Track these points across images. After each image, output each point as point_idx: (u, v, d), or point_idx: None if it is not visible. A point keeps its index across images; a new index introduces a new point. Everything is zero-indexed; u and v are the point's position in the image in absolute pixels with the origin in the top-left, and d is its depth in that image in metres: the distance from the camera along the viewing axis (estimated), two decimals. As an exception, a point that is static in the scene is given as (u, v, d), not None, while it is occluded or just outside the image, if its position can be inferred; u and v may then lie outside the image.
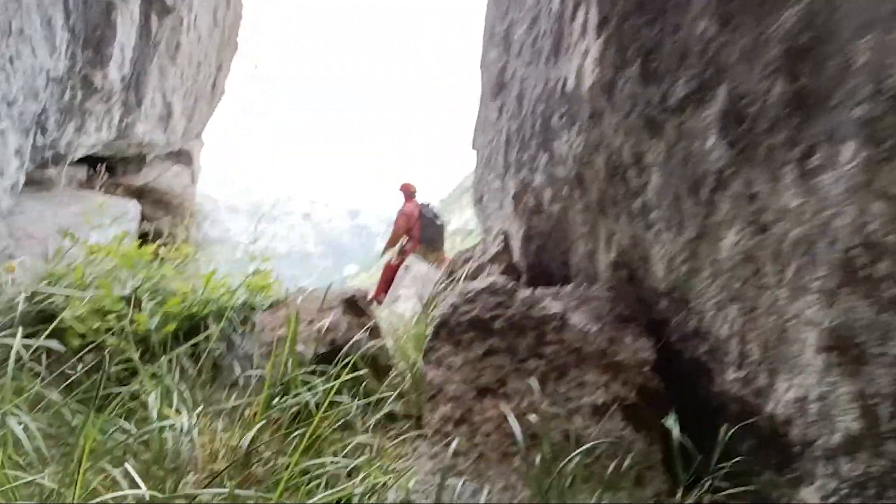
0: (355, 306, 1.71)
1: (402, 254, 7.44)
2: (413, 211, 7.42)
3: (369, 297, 6.98)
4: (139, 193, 2.86)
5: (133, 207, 2.74)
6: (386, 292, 7.58)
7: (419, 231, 7.32)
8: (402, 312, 5.18)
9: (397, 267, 7.52)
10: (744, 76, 1.25)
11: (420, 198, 7.88)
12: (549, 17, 2.44)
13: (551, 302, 1.67)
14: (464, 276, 2.33)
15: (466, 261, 2.50)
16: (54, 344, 1.30)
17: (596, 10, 1.85)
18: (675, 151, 1.51)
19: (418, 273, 6.22)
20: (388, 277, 7.55)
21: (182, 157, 4.51)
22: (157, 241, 2.35)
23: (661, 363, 1.58)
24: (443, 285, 2.48)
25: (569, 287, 1.83)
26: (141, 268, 2.00)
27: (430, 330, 1.54)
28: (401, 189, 7.87)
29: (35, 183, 2.37)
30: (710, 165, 1.35)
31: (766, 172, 1.18)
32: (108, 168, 2.99)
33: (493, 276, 1.64)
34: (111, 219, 2.60)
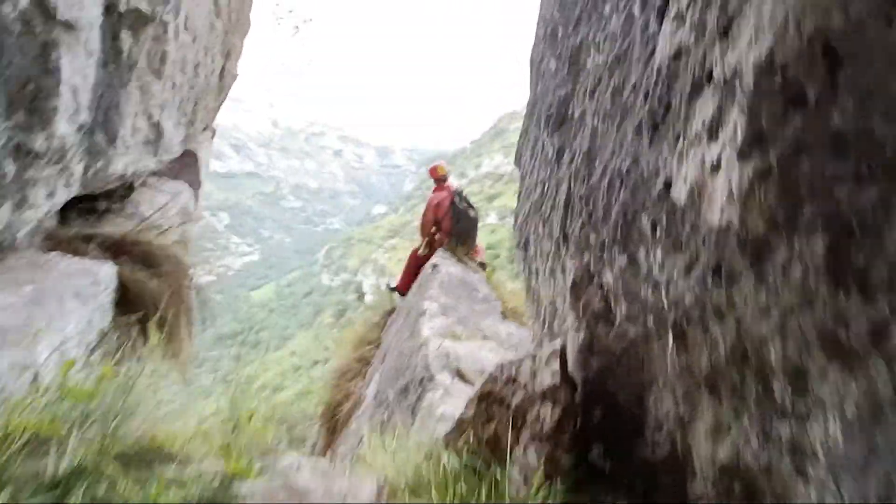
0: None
1: (431, 245, 6.90)
2: (443, 201, 6.78)
3: (393, 284, 6.58)
4: (118, 248, 2.37)
5: (107, 274, 2.24)
6: (409, 285, 7.12)
7: (450, 223, 6.71)
8: (426, 340, 4.72)
9: (425, 259, 7.01)
10: None
11: (452, 183, 7.20)
12: (645, 70, 1.76)
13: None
14: (503, 413, 1.80)
15: (509, 381, 1.96)
16: None
17: (745, 116, 1.19)
18: (882, 416, 0.91)
19: (446, 278, 5.68)
20: (414, 269, 7.06)
21: (185, 160, 3.97)
22: (123, 346, 1.89)
23: None
24: (476, 409, 1.96)
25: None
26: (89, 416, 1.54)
27: None
28: (430, 173, 7.20)
29: (-20, 252, 1.88)
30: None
31: None
32: (86, 206, 2.49)
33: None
34: (75, 296, 2.13)
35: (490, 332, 5.36)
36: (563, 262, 2.48)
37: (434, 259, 6.30)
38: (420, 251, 7.02)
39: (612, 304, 2.02)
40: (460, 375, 3.96)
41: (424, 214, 6.95)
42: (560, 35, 2.79)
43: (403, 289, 7.28)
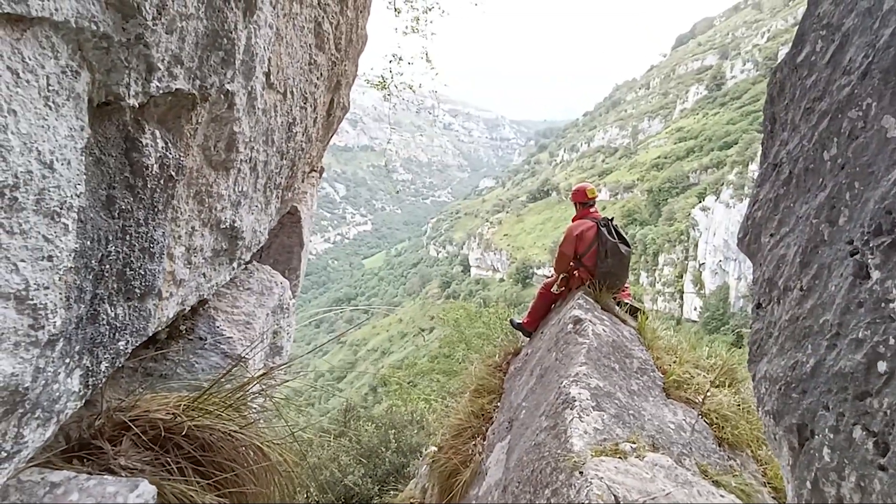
0: None
1: (567, 281, 5.64)
2: (587, 231, 5.41)
3: (521, 320, 5.42)
4: (165, 439, 1.54)
5: (141, 500, 1.42)
6: (537, 323, 5.98)
7: (594, 261, 5.36)
8: (581, 459, 3.60)
9: (557, 297, 5.80)
10: None
11: (598, 208, 5.78)
12: None
13: None
14: None
15: None
16: None
17: None
18: None
19: (594, 343, 4.45)
20: (545, 306, 5.88)
21: (283, 220, 3.16)
22: None
23: None
24: None
25: None
26: None
27: None
28: (573, 196, 5.83)
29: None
30: None
31: None
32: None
33: None
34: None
35: (656, 429, 4.11)
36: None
37: (575, 309, 5.05)
38: (553, 288, 5.81)
39: None
40: (639, 545, 2.87)
41: (562, 245, 5.65)
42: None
43: (531, 327, 6.15)
